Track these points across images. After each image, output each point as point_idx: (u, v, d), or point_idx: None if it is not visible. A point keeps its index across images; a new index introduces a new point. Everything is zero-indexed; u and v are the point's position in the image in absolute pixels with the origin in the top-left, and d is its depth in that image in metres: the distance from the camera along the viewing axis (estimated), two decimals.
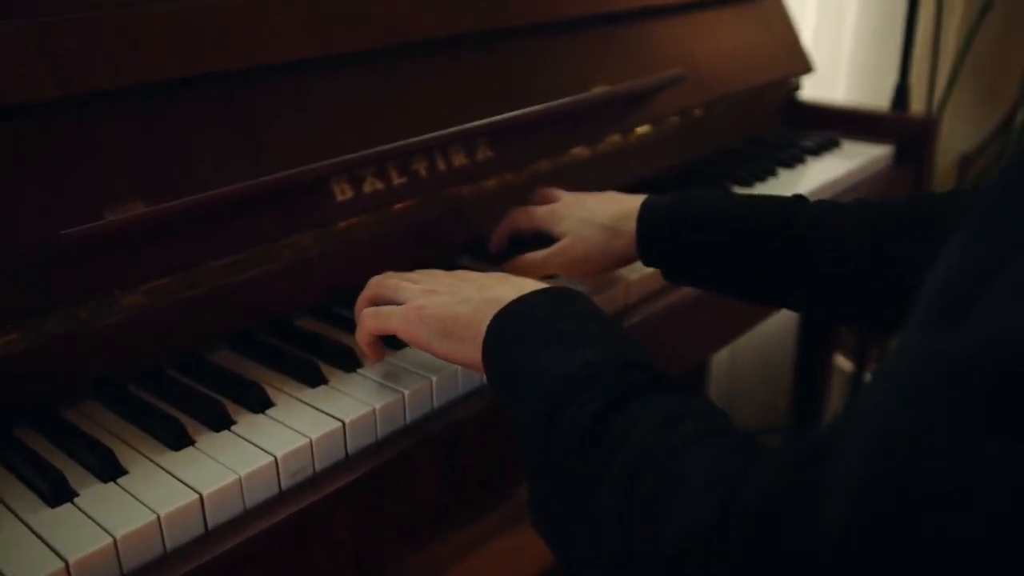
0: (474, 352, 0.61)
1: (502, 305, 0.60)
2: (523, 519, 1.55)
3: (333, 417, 0.65)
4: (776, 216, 0.74)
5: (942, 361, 0.32)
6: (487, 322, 0.60)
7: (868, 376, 1.66)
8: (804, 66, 1.41)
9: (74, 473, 0.59)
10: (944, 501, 0.30)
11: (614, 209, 0.81)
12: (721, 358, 1.86)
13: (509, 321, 0.59)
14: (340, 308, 0.82)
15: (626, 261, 0.82)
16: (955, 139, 1.70)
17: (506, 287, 0.63)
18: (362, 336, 0.68)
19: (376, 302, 0.69)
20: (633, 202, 0.81)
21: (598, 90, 1.04)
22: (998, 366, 0.30)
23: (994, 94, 1.70)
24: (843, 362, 1.70)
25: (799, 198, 0.77)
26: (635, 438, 0.45)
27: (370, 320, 0.67)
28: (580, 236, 0.81)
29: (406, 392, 0.67)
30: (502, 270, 0.83)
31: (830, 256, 0.71)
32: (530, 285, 0.63)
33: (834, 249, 0.71)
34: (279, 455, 0.60)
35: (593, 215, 0.81)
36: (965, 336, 0.32)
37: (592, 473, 0.46)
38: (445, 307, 0.63)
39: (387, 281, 0.69)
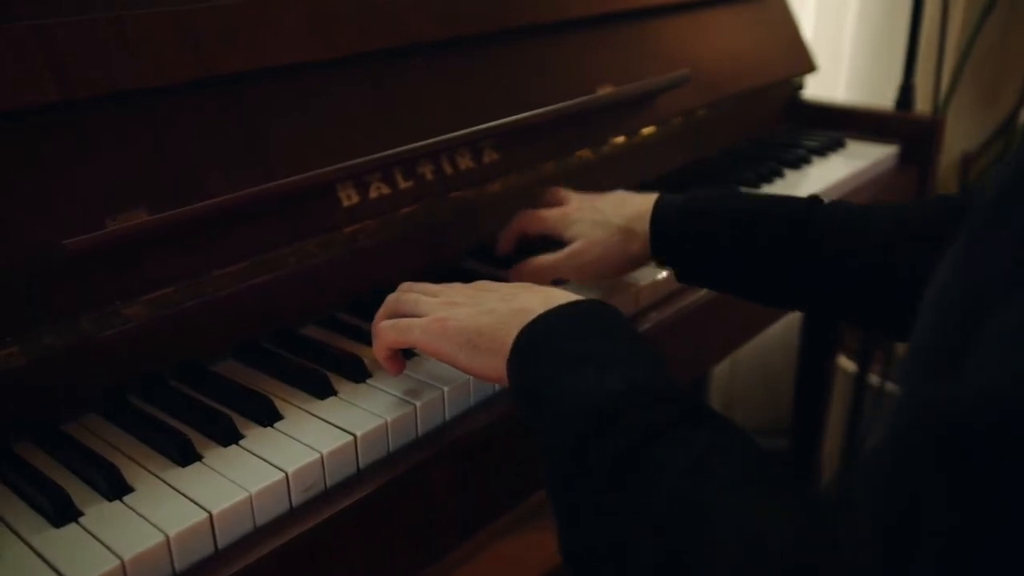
0: (499, 365, 0.59)
1: (528, 317, 0.58)
2: (526, 523, 1.53)
3: (344, 431, 0.63)
4: (790, 217, 0.72)
5: (941, 414, 0.33)
6: (513, 334, 0.58)
7: (872, 378, 1.65)
8: (807, 65, 1.40)
9: (78, 491, 0.57)
10: (949, 548, 0.31)
11: (627, 210, 0.79)
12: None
13: (536, 337, 0.57)
14: (346, 315, 0.80)
15: (640, 263, 0.80)
16: (957, 138, 1.69)
17: (532, 297, 0.61)
18: (380, 349, 0.66)
19: (394, 316, 0.67)
20: (645, 202, 0.79)
21: (604, 92, 1.02)
22: (992, 419, 0.31)
23: (996, 93, 1.70)
24: (846, 363, 1.69)
25: (814, 199, 0.75)
26: (667, 485, 0.44)
27: (390, 333, 0.65)
28: (593, 239, 0.79)
29: (418, 404, 0.66)
30: (512, 273, 0.81)
31: (843, 260, 0.70)
32: (557, 297, 0.61)
33: (847, 253, 0.70)
34: (290, 471, 0.59)
35: (606, 217, 0.79)
36: (960, 389, 0.33)
37: (623, 521, 0.45)
38: (469, 319, 0.61)
39: (405, 296, 0.67)
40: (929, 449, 0.33)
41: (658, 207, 0.78)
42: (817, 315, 1.38)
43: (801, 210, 0.73)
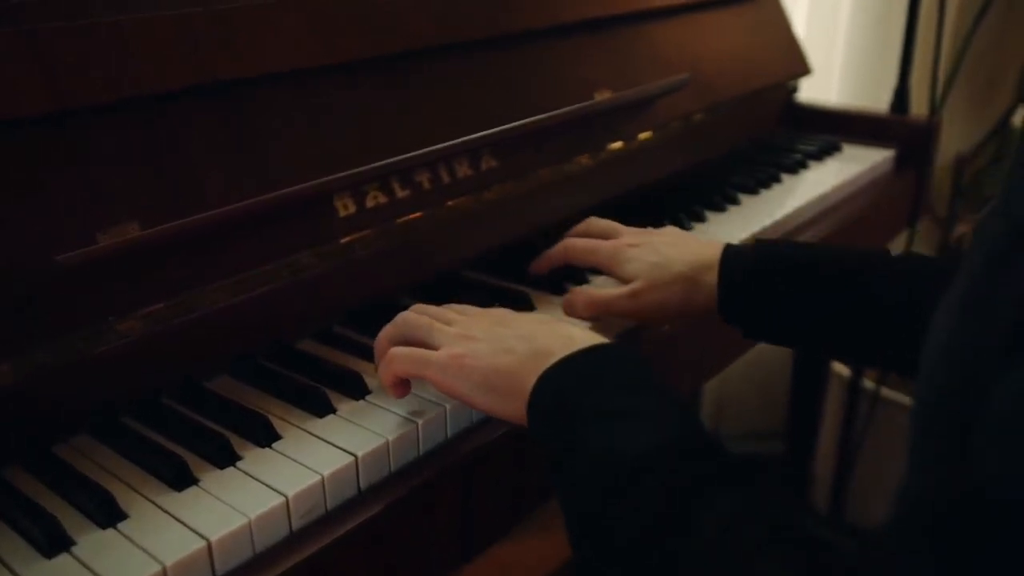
0: (518, 407, 0.57)
1: (548, 360, 0.56)
2: (524, 528, 1.52)
3: (345, 451, 0.61)
4: (872, 268, 0.70)
5: (949, 503, 0.34)
6: (533, 377, 0.56)
7: (866, 382, 1.65)
8: (802, 67, 1.39)
9: (70, 518, 0.55)
10: None
11: (690, 257, 0.75)
12: None
13: (558, 383, 0.55)
14: (343, 328, 0.79)
15: (701, 316, 0.75)
16: (951, 140, 1.68)
17: (553, 338, 0.59)
18: (388, 376, 0.64)
19: (404, 341, 0.65)
20: (710, 250, 0.75)
21: (603, 97, 1.01)
22: (998, 506, 0.32)
23: (990, 94, 1.69)
24: (840, 367, 1.69)
25: (884, 251, 0.73)
26: (700, 547, 0.42)
27: (403, 364, 0.63)
28: (653, 283, 0.74)
29: (420, 422, 0.64)
30: (564, 302, 0.78)
31: (918, 313, 0.68)
32: (578, 339, 0.58)
33: (918, 307, 0.68)
34: (290, 494, 0.57)
35: (667, 261, 0.75)
36: (969, 477, 0.33)
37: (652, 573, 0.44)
38: (487, 357, 0.59)
39: (418, 320, 0.65)
40: (927, 537, 0.34)
41: (727, 259, 0.73)
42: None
43: (877, 266, 0.71)
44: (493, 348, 0.60)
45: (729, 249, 0.75)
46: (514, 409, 0.58)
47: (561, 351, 0.56)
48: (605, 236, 0.82)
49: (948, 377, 0.36)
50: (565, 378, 0.55)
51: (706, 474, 0.46)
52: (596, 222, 0.84)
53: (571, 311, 0.77)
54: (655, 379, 0.55)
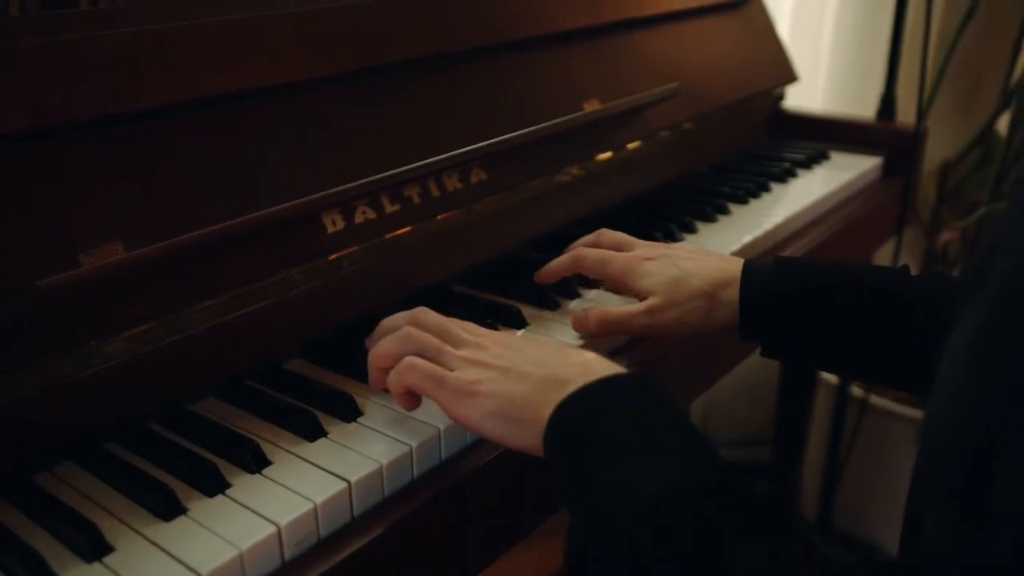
0: (531, 436, 0.55)
1: (565, 389, 0.54)
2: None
3: (338, 476, 0.59)
4: (896, 287, 0.68)
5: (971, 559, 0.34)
6: (548, 407, 0.54)
7: (854, 389, 1.64)
8: (789, 75, 1.39)
9: (54, 552, 0.53)
10: None
11: (710, 272, 0.72)
12: None
13: (576, 415, 0.53)
14: (333, 347, 0.77)
15: (722, 333, 0.73)
16: (935, 146, 1.69)
17: (567, 366, 0.57)
18: (399, 386, 0.62)
19: (412, 353, 0.62)
20: (730, 266, 0.73)
21: (593, 107, 1.00)
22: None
23: (974, 100, 1.70)
24: (827, 375, 1.68)
25: (905, 269, 0.72)
26: None
27: (417, 377, 0.60)
28: (672, 299, 0.72)
29: (413, 445, 0.62)
30: (576, 320, 0.76)
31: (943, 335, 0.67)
32: (594, 367, 0.56)
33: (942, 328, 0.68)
34: (282, 524, 0.55)
35: (687, 275, 0.72)
36: (989, 545, 0.33)
37: None
38: (499, 384, 0.57)
39: (426, 340, 0.62)
40: None
41: (748, 275, 0.71)
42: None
43: (902, 284, 0.69)
44: (506, 376, 0.58)
45: (750, 265, 0.73)
46: (528, 438, 0.56)
47: (578, 379, 0.55)
48: (617, 248, 0.79)
49: (959, 422, 0.35)
50: (585, 408, 0.53)
51: (733, 514, 0.45)
52: (608, 234, 0.82)
53: (583, 328, 0.75)
54: (676, 409, 0.53)
